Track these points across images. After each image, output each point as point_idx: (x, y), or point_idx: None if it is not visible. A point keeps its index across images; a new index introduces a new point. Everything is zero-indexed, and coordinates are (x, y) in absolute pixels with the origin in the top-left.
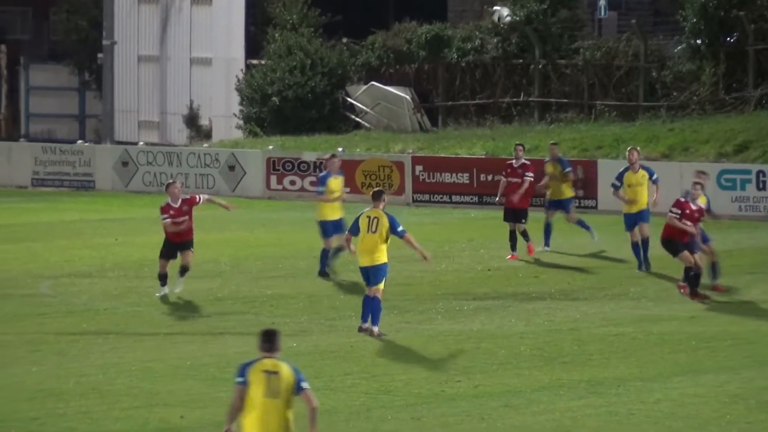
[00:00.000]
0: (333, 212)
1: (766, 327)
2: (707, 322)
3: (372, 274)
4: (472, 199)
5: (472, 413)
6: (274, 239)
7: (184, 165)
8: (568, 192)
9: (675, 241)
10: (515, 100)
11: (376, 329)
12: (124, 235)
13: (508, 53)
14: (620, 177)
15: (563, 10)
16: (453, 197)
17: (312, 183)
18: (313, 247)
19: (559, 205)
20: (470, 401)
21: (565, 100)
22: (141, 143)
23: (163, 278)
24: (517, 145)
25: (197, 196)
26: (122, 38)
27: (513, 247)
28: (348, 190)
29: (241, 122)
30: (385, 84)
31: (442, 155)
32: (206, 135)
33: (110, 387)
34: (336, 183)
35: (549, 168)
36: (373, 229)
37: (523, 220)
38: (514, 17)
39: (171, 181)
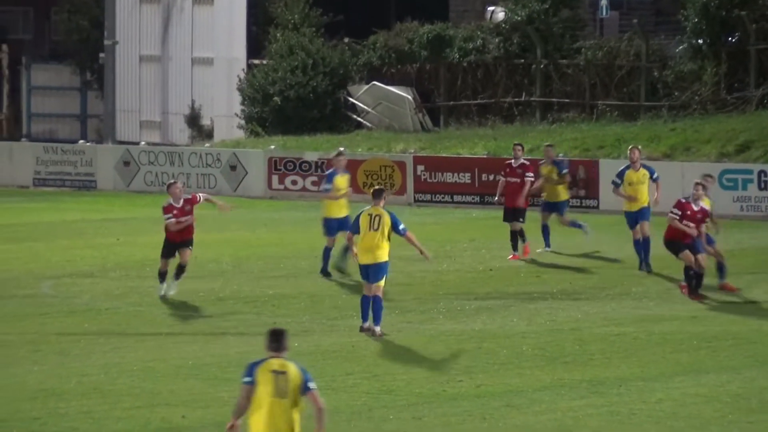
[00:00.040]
0: (339, 210)
1: (767, 327)
2: (709, 321)
3: (372, 271)
4: (473, 198)
5: (474, 413)
6: (276, 239)
7: (186, 165)
8: (563, 194)
9: (677, 242)
10: (517, 99)
11: (378, 329)
12: (126, 234)
13: (509, 53)
14: (621, 175)
15: (565, 9)
16: (455, 197)
17: (314, 183)
18: (315, 246)
19: (554, 207)
20: (472, 401)
21: (567, 100)
22: (142, 143)
23: (162, 276)
24: (515, 145)
25: (198, 196)
26: (124, 38)
27: (514, 247)
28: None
29: (242, 122)
30: (387, 84)
31: (444, 155)
32: (208, 135)
33: (112, 387)
34: (342, 181)
35: (544, 170)
36: (375, 227)
37: (521, 219)
38: (516, 17)
39: (172, 181)
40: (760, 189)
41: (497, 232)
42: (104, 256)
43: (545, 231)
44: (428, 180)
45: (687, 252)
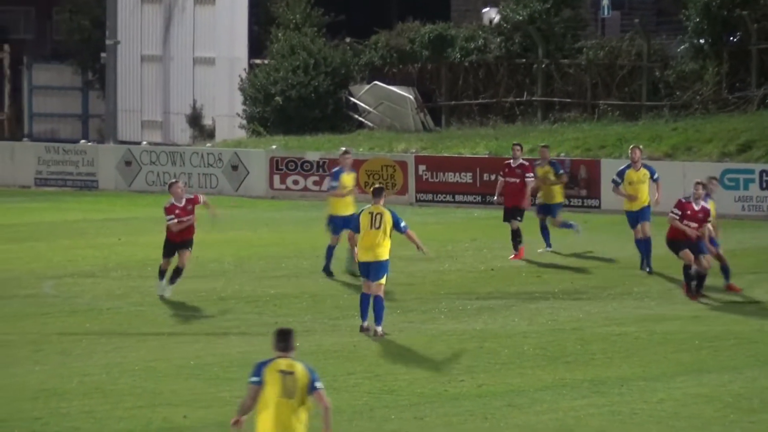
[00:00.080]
0: (345, 208)
1: None
2: (710, 321)
3: (373, 270)
4: (475, 198)
5: (476, 413)
6: (278, 239)
7: (188, 165)
8: (558, 197)
9: (678, 242)
10: (518, 99)
11: (379, 329)
12: (128, 234)
13: (511, 53)
14: (621, 174)
15: (566, 9)
16: (456, 197)
17: (315, 182)
18: (316, 246)
19: (548, 210)
20: (473, 401)
21: (568, 100)
22: (144, 143)
23: (162, 273)
24: (514, 145)
25: (200, 197)
26: (125, 38)
27: (515, 247)
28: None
29: (244, 122)
30: (389, 83)
31: (445, 155)
32: (209, 134)
33: (113, 386)
34: (349, 179)
35: (540, 171)
36: (377, 225)
37: (519, 218)
38: (517, 16)
39: (174, 180)
40: (762, 189)
41: (499, 232)
42: (106, 255)
43: (545, 231)
44: (430, 180)
45: (686, 251)
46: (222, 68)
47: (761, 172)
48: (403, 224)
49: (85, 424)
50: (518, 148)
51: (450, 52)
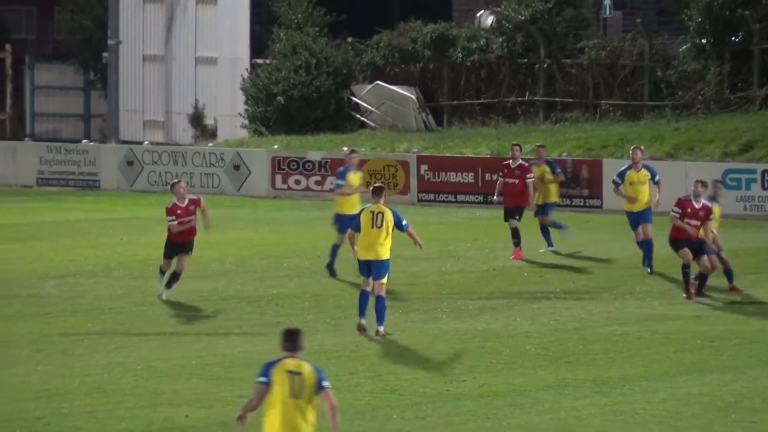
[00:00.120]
0: (352, 207)
1: None
2: (712, 321)
3: (375, 269)
4: (477, 198)
5: (477, 412)
6: (279, 238)
7: (189, 164)
8: (553, 196)
9: (680, 241)
10: (520, 99)
11: (381, 328)
12: (129, 234)
13: (513, 53)
14: (622, 175)
15: (568, 9)
16: (458, 196)
17: (317, 182)
18: (318, 246)
19: (542, 209)
20: (475, 400)
21: (570, 100)
22: (146, 143)
23: (163, 273)
24: (513, 145)
25: (202, 201)
26: (127, 38)
27: (517, 246)
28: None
29: (246, 121)
30: (390, 83)
31: (447, 155)
32: (211, 134)
33: (115, 386)
34: (355, 178)
35: (537, 170)
36: (379, 224)
37: (517, 217)
38: (519, 16)
39: (176, 180)
40: (764, 189)
41: (500, 232)
42: (108, 255)
43: (545, 231)
44: (432, 179)
45: (686, 250)
46: (224, 68)
47: (763, 172)
48: (404, 222)
49: (86, 424)
50: (517, 148)
51: (452, 52)
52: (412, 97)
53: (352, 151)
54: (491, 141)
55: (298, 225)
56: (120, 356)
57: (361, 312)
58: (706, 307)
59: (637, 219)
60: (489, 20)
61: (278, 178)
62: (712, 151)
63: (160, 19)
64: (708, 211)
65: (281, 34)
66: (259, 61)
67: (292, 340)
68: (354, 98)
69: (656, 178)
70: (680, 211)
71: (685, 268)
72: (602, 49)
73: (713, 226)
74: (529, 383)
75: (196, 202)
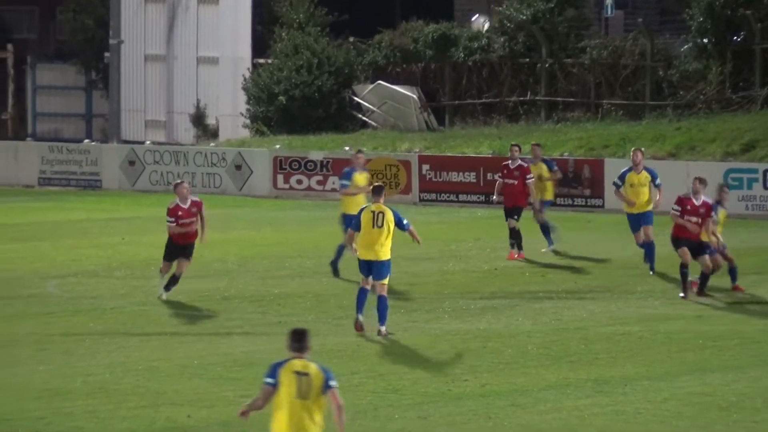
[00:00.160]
0: (357, 207)
1: None
2: (714, 321)
3: (376, 269)
4: (478, 198)
5: (479, 412)
6: (281, 238)
7: (191, 164)
8: (549, 194)
9: (681, 240)
10: (522, 99)
11: (383, 328)
12: (131, 234)
13: (514, 52)
14: (622, 177)
15: (570, 9)
16: (460, 196)
17: (319, 182)
18: (320, 246)
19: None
20: (477, 400)
21: (572, 99)
22: (148, 142)
23: (162, 275)
24: (512, 145)
25: (203, 207)
26: (129, 37)
27: (519, 246)
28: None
29: (247, 121)
30: (392, 83)
31: (449, 154)
32: (213, 134)
33: (117, 386)
34: (361, 178)
35: (533, 169)
36: (379, 223)
37: (516, 218)
38: (521, 16)
39: (179, 181)
40: (766, 188)
41: (502, 232)
42: (109, 255)
43: (544, 230)
44: (433, 179)
45: (684, 249)
46: (225, 68)
47: (765, 172)
48: (405, 222)
49: (88, 424)
50: (516, 149)
51: (453, 52)
52: (414, 96)
53: (359, 151)
54: (493, 141)
55: (299, 225)
56: (122, 356)
57: (359, 308)
58: (708, 306)
59: (638, 221)
60: (484, 24)
61: (280, 177)
62: (714, 151)
63: (161, 19)
64: (708, 208)
65: (283, 34)
66: (261, 60)
67: (299, 340)
68: (356, 98)
69: (657, 181)
70: (680, 208)
71: (683, 267)
72: (604, 49)
73: (717, 230)
74: (531, 383)
75: (198, 205)
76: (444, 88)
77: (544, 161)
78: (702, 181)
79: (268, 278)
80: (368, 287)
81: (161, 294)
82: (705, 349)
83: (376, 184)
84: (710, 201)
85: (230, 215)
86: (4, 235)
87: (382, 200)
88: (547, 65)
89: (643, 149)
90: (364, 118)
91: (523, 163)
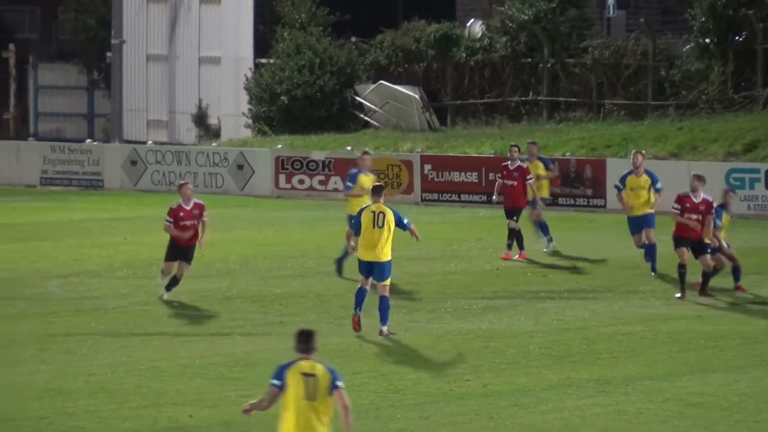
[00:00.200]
0: None
1: None
2: (716, 321)
3: (377, 270)
4: (480, 198)
5: (481, 412)
6: (283, 238)
7: (193, 164)
8: (544, 192)
9: (681, 239)
10: (524, 99)
11: (385, 328)
12: (133, 234)
13: (516, 52)
14: (623, 180)
15: (572, 9)
16: (462, 196)
17: (321, 182)
18: (322, 246)
19: (532, 204)
20: (479, 400)
21: (574, 99)
22: (150, 142)
23: (164, 275)
24: (512, 146)
25: (205, 213)
26: (131, 37)
27: (520, 246)
28: None
29: (249, 121)
30: (394, 83)
31: (451, 154)
32: (215, 134)
33: (119, 386)
34: (367, 180)
35: (529, 167)
36: (380, 224)
37: (515, 218)
38: (523, 16)
39: (184, 181)
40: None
41: (504, 232)
42: (111, 255)
43: (543, 229)
44: (435, 179)
45: (683, 249)
46: (227, 68)
47: (767, 172)
48: (405, 221)
49: (90, 424)
50: (516, 149)
51: (455, 52)
52: (416, 96)
53: (365, 153)
54: (495, 141)
55: (301, 225)
56: (124, 356)
57: (357, 305)
58: (710, 306)
59: (639, 224)
60: (478, 29)
61: (282, 177)
62: (716, 151)
63: (163, 19)
64: (708, 205)
65: (285, 34)
66: (263, 60)
67: (306, 341)
68: (358, 98)
69: (657, 185)
70: (680, 207)
71: (681, 267)
72: (606, 49)
73: (720, 234)
74: (533, 383)
75: (200, 207)
76: (446, 88)
77: (541, 159)
78: (700, 178)
79: (269, 278)
80: (367, 288)
81: (162, 294)
82: (707, 349)
83: (376, 184)
84: (710, 198)
85: (232, 215)
86: (6, 234)
87: (382, 200)
88: (549, 65)
89: (643, 152)
90: (366, 118)
91: (522, 164)
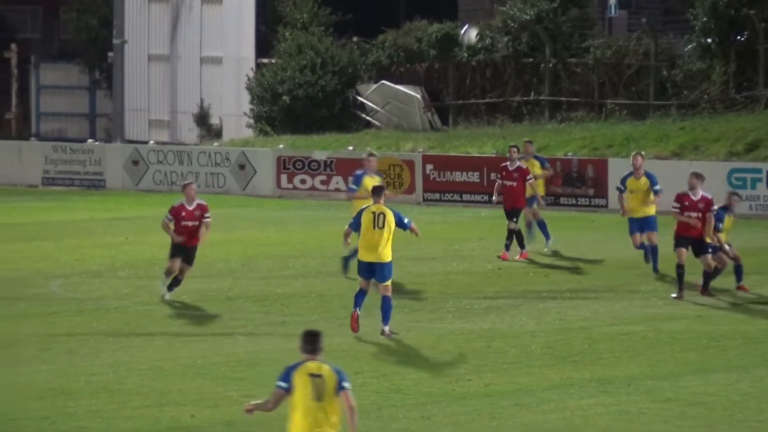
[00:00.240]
0: None
1: None
2: (718, 320)
3: (378, 271)
4: (482, 198)
5: (483, 412)
6: (285, 238)
7: (195, 164)
8: (540, 190)
9: (682, 238)
10: (526, 98)
11: (387, 328)
12: (135, 233)
13: (518, 52)
14: (624, 181)
15: (574, 8)
16: (463, 196)
17: (322, 182)
18: (324, 246)
19: (528, 203)
20: (481, 400)
21: (576, 99)
22: (151, 142)
23: (167, 275)
24: (511, 146)
25: (208, 217)
26: (133, 37)
27: (521, 246)
28: None
29: (251, 121)
30: (396, 83)
31: (453, 154)
32: (217, 134)
33: (121, 386)
34: (372, 182)
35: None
36: (380, 225)
37: (515, 219)
38: (524, 16)
39: (188, 181)
40: None
41: (506, 232)
42: (113, 255)
43: (541, 227)
44: (437, 179)
45: (681, 249)
46: (229, 67)
47: None
48: (406, 221)
49: (92, 424)
50: (515, 149)
51: (457, 52)
52: (418, 96)
53: (371, 155)
54: (496, 140)
55: (303, 224)
56: (125, 356)
57: (356, 305)
58: (711, 306)
59: (640, 226)
60: (473, 35)
61: (283, 177)
62: (718, 151)
63: (165, 19)
64: (708, 203)
65: (287, 34)
66: (265, 60)
67: (312, 342)
68: (359, 98)
69: (655, 187)
70: (679, 205)
71: (679, 268)
72: (607, 49)
73: (722, 237)
74: (535, 383)
75: (203, 208)
76: (448, 87)
77: (537, 158)
78: (698, 176)
79: (271, 278)
80: (367, 290)
81: (164, 294)
82: (708, 348)
83: (376, 185)
84: (709, 195)
85: (234, 215)
86: (7, 234)
87: (382, 201)
88: (550, 65)
89: (643, 153)
90: (367, 118)
91: (522, 164)
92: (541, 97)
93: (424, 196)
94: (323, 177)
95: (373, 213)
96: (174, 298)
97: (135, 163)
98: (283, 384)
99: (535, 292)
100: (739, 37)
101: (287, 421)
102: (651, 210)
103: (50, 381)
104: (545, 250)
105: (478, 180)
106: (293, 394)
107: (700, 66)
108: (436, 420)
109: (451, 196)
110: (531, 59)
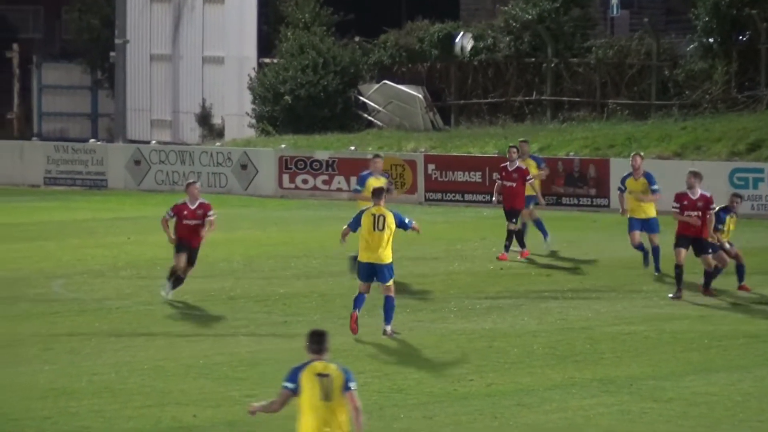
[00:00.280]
0: None
1: None
2: (719, 320)
3: (379, 272)
4: (484, 197)
5: (485, 412)
6: (287, 238)
7: (197, 164)
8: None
9: (682, 238)
10: (528, 98)
11: (389, 328)
12: (137, 233)
13: (520, 52)
14: (623, 182)
15: (576, 8)
16: (465, 196)
17: (324, 182)
18: (325, 246)
19: (528, 202)
20: (482, 400)
21: (578, 99)
22: (153, 142)
23: (172, 274)
24: (510, 147)
25: (211, 216)
26: (135, 37)
27: (522, 245)
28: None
29: (253, 121)
30: (398, 83)
31: (455, 154)
32: (219, 134)
33: (123, 386)
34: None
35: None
36: (381, 227)
37: (514, 220)
38: (526, 15)
39: (192, 180)
40: None
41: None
42: (115, 255)
43: (539, 225)
44: (439, 179)
45: (680, 249)
46: (231, 67)
47: None
48: (407, 221)
49: (94, 423)
50: (514, 150)
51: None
52: (420, 96)
53: (376, 156)
54: (498, 140)
55: (305, 224)
56: (127, 355)
57: (356, 306)
58: (713, 306)
59: (640, 226)
60: (468, 44)
61: (285, 177)
62: (720, 151)
63: (167, 19)
64: (707, 201)
65: (288, 34)
66: (267, 60)
67: (318, 342)
68: (361, 97)
69: (653, 187)
70: (678, 205)
71: (677, 268)
72: (609, 49)
73: (723, 238)
74: (537, 382)
75: (205, 207)
76: (449, 87)
77: (533, 158)
78: (696, 174)
79: (273, 278)
80: (366, 294)
81: (167, 292)
82: (710, 348)
83: (376, 186)
84: (708, 194)
85: (236, 215)
86: (9, 234)
87: (382, 203)
88: (552, 65)
89: (642, 154)
90: (369, 118)
91: (521, 165)
92: (543, 97)
93: (425, 196)
94: (325, 177)
95: (373, 215)
96: (176, 298)
97: (137, 163)
98: (289, 385)
99: (537, 292)
100: (741, 37)
101: (293, 421)
102: (652, 211)
103: (52, 381)
104: (544, 247)
105: (480, 180)
106: (301, 395)
107: (702, 66)
108: (438, 420)
109: (453, 196)
110: (533, 59)
